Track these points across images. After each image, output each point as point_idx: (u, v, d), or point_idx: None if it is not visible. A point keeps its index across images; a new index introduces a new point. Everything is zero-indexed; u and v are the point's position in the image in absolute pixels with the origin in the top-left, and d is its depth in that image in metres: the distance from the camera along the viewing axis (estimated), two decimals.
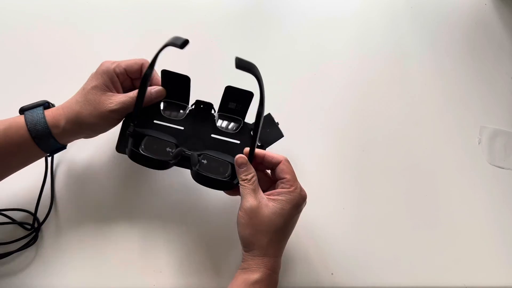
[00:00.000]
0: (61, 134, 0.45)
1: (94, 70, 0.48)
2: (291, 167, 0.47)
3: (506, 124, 0.66)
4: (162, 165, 0.47)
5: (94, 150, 0.55)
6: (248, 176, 0.45)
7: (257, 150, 0.48)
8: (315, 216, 0.56)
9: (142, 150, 0.47)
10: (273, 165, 0.47)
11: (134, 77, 0.50)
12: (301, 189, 0.46)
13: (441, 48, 0.71)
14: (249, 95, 0.50)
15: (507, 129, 0.65)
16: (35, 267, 0.50)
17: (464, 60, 0.70)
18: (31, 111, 0.45)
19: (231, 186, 0.48)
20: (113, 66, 0.47)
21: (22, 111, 0.45)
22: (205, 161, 0.48)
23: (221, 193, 0.50)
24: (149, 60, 0.45)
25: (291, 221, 0.46)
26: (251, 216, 0.44)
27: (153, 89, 0.49)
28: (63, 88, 0.49)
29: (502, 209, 0.59)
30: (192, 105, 0.51)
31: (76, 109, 0.45)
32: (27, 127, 0.43)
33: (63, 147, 0.48)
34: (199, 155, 0.48)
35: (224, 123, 0.51)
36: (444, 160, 0.62)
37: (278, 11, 0.70)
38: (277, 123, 0.53)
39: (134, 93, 0.47)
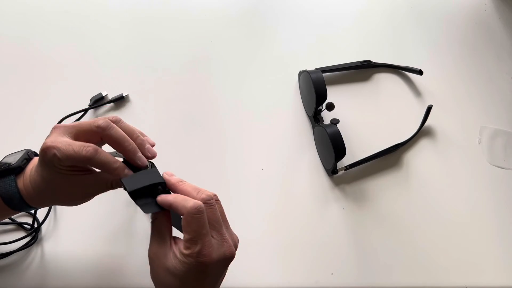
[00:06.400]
0: (37, 205, 0.41)
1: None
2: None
3: (506, 124, 0.66)
4: None
5: None
6: None
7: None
8: (315, 216, 0.56)
9: None
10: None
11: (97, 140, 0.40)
12: None
13: (441, 48, 0.71)
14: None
15: (507, 129, 0.65)
16: (34, 267, 0.50)
17: (464, 60, 0.70)
18: (3, 181, 0.39)
19: None
20: (59, 156, 0.36)
21: None
22: None
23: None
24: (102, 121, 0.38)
25: None
26: None
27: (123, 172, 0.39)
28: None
29: (502, 209, 0.59)
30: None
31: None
32: (2, 199, 0.39)
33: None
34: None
35: None
36: (444, 159, 0.62)
37: (278, 13, 0.70)
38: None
39: (100, 172, 0.40)
